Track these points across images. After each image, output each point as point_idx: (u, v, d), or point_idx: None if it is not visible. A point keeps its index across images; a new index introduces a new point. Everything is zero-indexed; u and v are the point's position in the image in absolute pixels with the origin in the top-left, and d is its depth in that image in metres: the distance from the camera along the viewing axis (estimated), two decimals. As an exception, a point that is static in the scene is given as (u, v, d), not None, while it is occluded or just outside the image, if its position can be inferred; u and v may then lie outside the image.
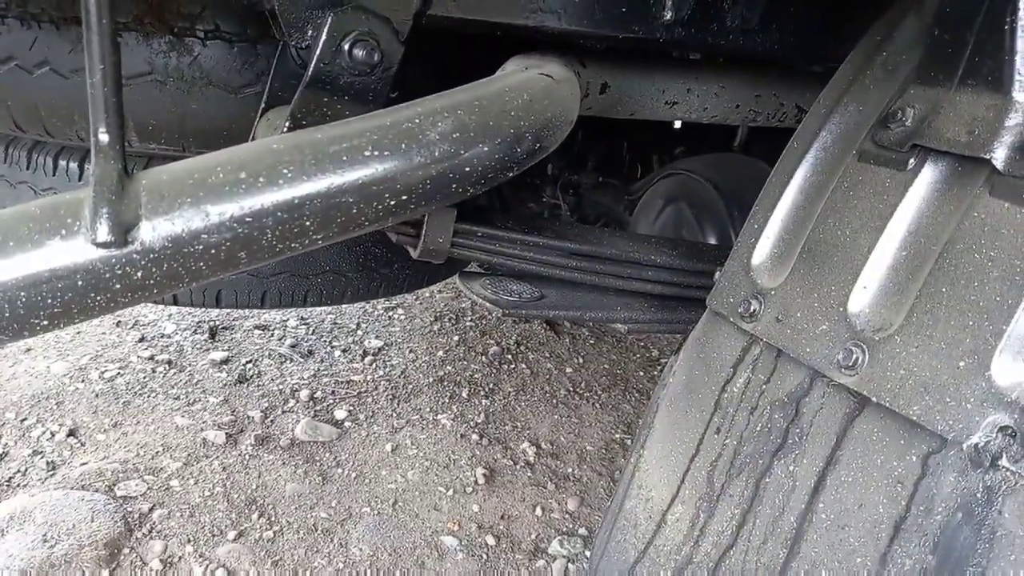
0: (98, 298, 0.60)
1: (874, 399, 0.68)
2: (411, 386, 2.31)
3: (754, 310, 0.87)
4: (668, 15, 1.00)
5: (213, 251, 0.62)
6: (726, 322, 0.91)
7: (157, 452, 1.90)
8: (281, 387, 2.24)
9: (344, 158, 0.66)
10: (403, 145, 0.67)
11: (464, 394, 2.29)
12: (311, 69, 0.81)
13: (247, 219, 0.62)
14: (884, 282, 0.74)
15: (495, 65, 1.05)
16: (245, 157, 0.64)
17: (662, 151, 2.55)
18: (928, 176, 0.74)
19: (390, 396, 2.25)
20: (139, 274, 0.60)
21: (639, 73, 1.23)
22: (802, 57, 1.14)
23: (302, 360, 2.41)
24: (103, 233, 0.58)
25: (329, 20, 0.80)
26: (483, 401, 2.26)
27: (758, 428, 0.81)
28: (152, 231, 0.60)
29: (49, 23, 1.09)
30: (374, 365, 2.42)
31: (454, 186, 0.71)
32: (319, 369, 2.36)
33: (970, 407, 0.61)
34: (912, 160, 0.76)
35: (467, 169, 0.71)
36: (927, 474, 0.62)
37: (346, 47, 0.81)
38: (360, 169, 0.66)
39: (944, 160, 0.73)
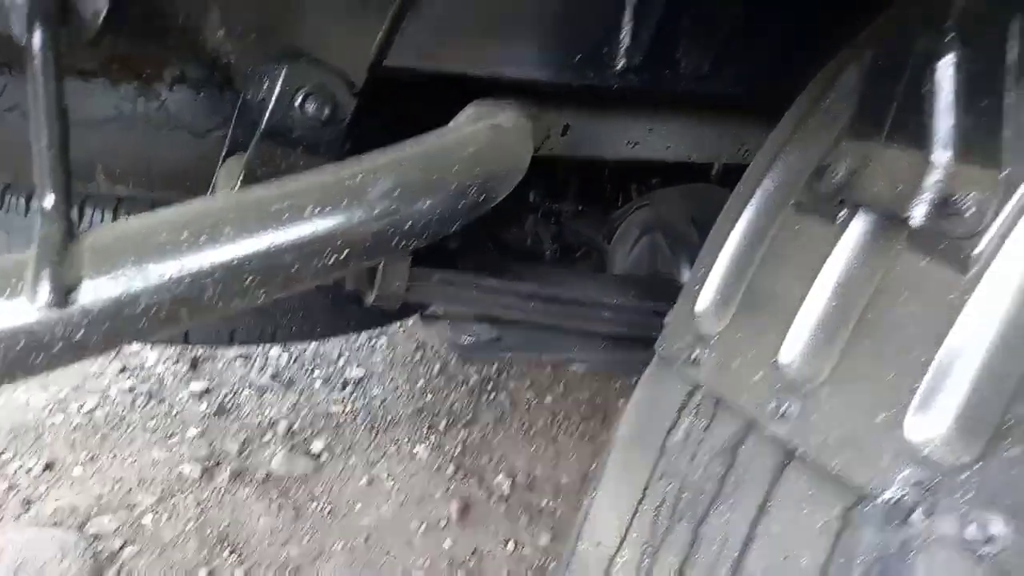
0: (39, 358, 0.61)
1: (801, 450, 0.70)
2: (390, 417, 2.32)
3: (697, 356, 0.89)
4: (621, 63, 1.03)
5: (154, 311, 0.64)
6: (672, 367, 0.93)
7: (132, 487, 1.90)
8: (259, 419, 2.24)
9: (286, 216, 0.68)
10: (344, 203, 0.69)
11: (442, 425, 2.30)
12: (264, 122, 0.84)
13: (187, 280, 0.64)
14: (814, 333, 0.76)
15: (455, 108, 1.08)
16: (189, 217, 0.66)
17: (640, 180, 2.59)
18: (856, 230, 0.77)
19: (368, 427, 2.25)
20: (80, 334, 0.62)
21: (600, 115, 1.26)
22: (759, 100, 1.17)
23: (282, 390, 2.41)
24: (44, 295, 0.60)
25: (283, 74, 0.83)
26: (461, 432, 2.27)
27: (698, 475, 0.83)
28: (93, 293, 0.62)
29: (21, 71, 1.11)
30: (354, 395, 2.43)
31: (395, 241, 0.73)
32: (298, 400, 2.37)
33: (886, 462, 0.63)
34: (842, 213, 0.78)
35: (409, 224, 0.73)
36: (847, 527, 0.63)
37: (299, 101, 0.83)
38: (301, 228, 0.68)
39: (871, 215, 0.76)
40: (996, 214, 0.65)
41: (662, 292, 1.22)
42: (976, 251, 0.65)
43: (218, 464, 2.01)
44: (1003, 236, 0.64)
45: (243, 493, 1.90)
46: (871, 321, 0.71)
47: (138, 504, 1.83)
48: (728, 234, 0.93)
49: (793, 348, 0.77)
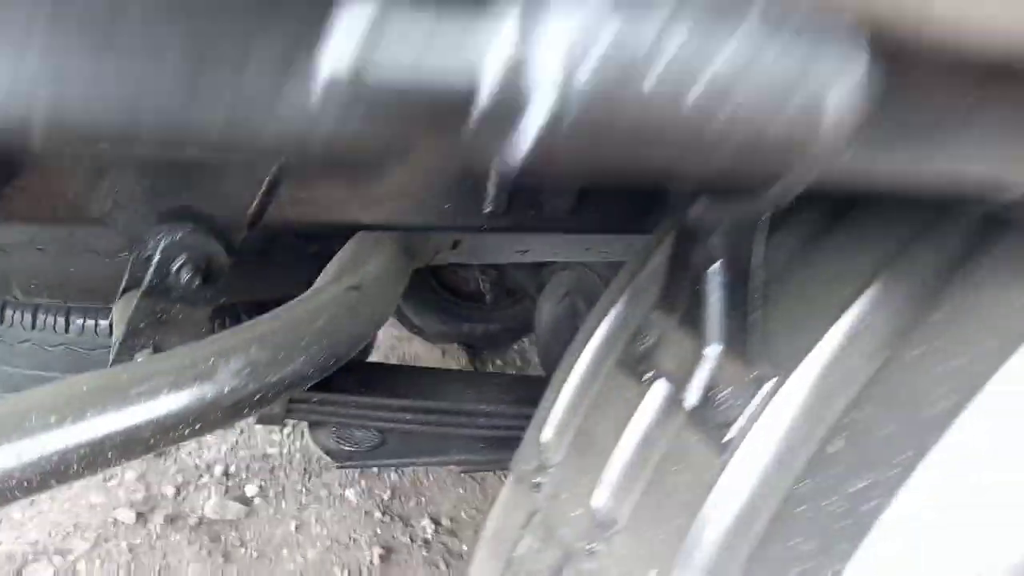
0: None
1: (599, 592, 0.83)
2: (325, 459, 2.43)
3: (538, 481, 1.01)
4: (489, 208, 1.14)
5: (25, 483, 0.75)
6: (522, 485, 1.05)
7: (68, 532, 1.99)
8: (197, 461, 2.34)
9: (143, 398, 0.79)
10: (196, 384, 0.80)
11: (375, 467, 2.41)
12: (145, 283, 0.94)
13: (55, 457, 0.75)
14: (617, 483, 0.87)
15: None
16: (55, 401, 0.77)
17: (571, 237, 2.69)
18: (655, 395, 0.88)
19: (303, 470, 2.36)
20: (-45, 511, 0.72)
21: (488, 230, 1.37)
22: (626, 230, 1.29)
23: (222, 432, 2.51)
24: (-76, 479, 0.71)
25: (161, 243, 0.94)
26: (392, 475, 2.39)
27: (528, 594, 0.95)
28: (-32, 474, 0.72)
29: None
30: (292, 436, 2.54)
31: (247, 410, 0.84)
32: (237, 442, 2.47)
33: (650, 618, 0.75)
34: (647, 377, 0.90)
35: (259, 396, 0.84)
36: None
37: (176, 268, 0.94)
38: (157, 407, 0.79)
39: (666, 385, 0.88)
40: (743, 410, 0.77)
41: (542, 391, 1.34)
42: (727, 439, 0.77)
43: (153, 509, 2.11)
44: (746, 431, 0.76)
45: (175, 538, 2.01)
46: (657, 482, 0.83)
47: (73, 550, 1.93)
48: (570, 372, 1.04)
49: (603, 493, 0.89)
